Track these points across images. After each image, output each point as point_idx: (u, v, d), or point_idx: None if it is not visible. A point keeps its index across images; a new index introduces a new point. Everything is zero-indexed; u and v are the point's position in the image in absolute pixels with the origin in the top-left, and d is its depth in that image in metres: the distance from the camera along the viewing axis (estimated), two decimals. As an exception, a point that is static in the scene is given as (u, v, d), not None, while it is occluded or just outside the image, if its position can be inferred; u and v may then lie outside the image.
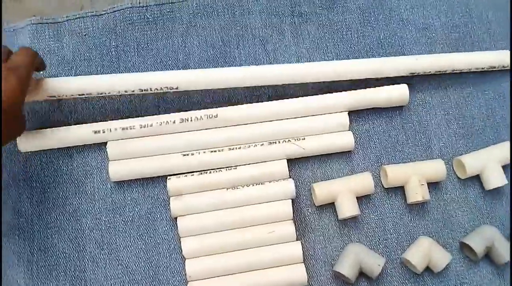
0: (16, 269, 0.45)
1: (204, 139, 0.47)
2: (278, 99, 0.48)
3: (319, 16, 0.53)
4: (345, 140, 0.48)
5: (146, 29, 0.51)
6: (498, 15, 0.54)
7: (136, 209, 0.47)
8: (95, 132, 0.46)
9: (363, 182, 0.46)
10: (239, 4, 0.52)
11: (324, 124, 0.48)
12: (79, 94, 0.45)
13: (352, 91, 0.49)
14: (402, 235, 0.47)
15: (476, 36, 0.53)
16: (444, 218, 0.48)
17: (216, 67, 0.50)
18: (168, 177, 0.46)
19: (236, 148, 0.47)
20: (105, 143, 0.47)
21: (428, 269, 0.45)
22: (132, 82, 0.45)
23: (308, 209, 0.47)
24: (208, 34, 0.52)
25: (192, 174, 0.46)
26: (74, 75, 0.49)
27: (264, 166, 0.46)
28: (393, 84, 0.49)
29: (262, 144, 0.47)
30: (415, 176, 0.46)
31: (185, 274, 0.44)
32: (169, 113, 0.47)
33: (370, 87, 0.49)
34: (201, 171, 0.46)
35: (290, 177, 0.47)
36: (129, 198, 0.47)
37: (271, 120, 0.48)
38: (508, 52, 0.51)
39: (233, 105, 0.48)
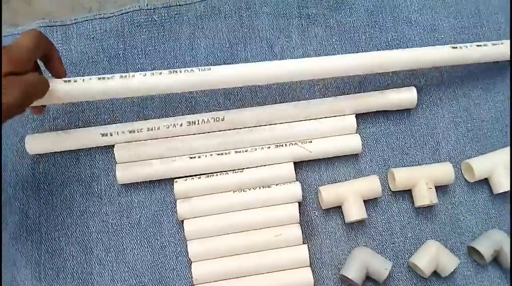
0: (24, 271, 0.46)
1: (211, 142, 0.47)
2: (285, 102, 0.48)
3: (326, 17, 0.52)
4: (353, 143, 0.47)
5: (153, 31, 0.51)
6: (508, 17, 0.53)
7: (143, 212, 0.47)
8: (103, 135, 0.46)
9: (371, 185, 0.46)
10: (246, 6, 0.52)
11: (332, 127, 0.47)
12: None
13: (360, 94, 0.49)
14: (410, 238, 0.47)
15: (486, 38, 0.52)
16: (452, 222, 0.47)
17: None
18: (175, 180, 0.46)
19: (242, 151, 0.46)
20: (113, 146, 0.47)
21: (435, 273, 0.45)
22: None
23: (314, 212, 0.47)
24: (215, 36, 0.52)
25: (199, 176, 0.46)
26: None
27: (271, 168, 0.46)
28: (401, 87, 0.49)
29: (269, 147, 0.47)
30: (423, 179, 0.46)
31: (191, 277, 0.44)
32: (176, 116, 0.47)
33: (378, 90, 0.49)
34: (207, 173, 0.46)
35: (297, 180, 0.47)
36: (136, 200, 0.47)
37: (278, 123, 0.48)
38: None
39: (239, 108, 0.48)
